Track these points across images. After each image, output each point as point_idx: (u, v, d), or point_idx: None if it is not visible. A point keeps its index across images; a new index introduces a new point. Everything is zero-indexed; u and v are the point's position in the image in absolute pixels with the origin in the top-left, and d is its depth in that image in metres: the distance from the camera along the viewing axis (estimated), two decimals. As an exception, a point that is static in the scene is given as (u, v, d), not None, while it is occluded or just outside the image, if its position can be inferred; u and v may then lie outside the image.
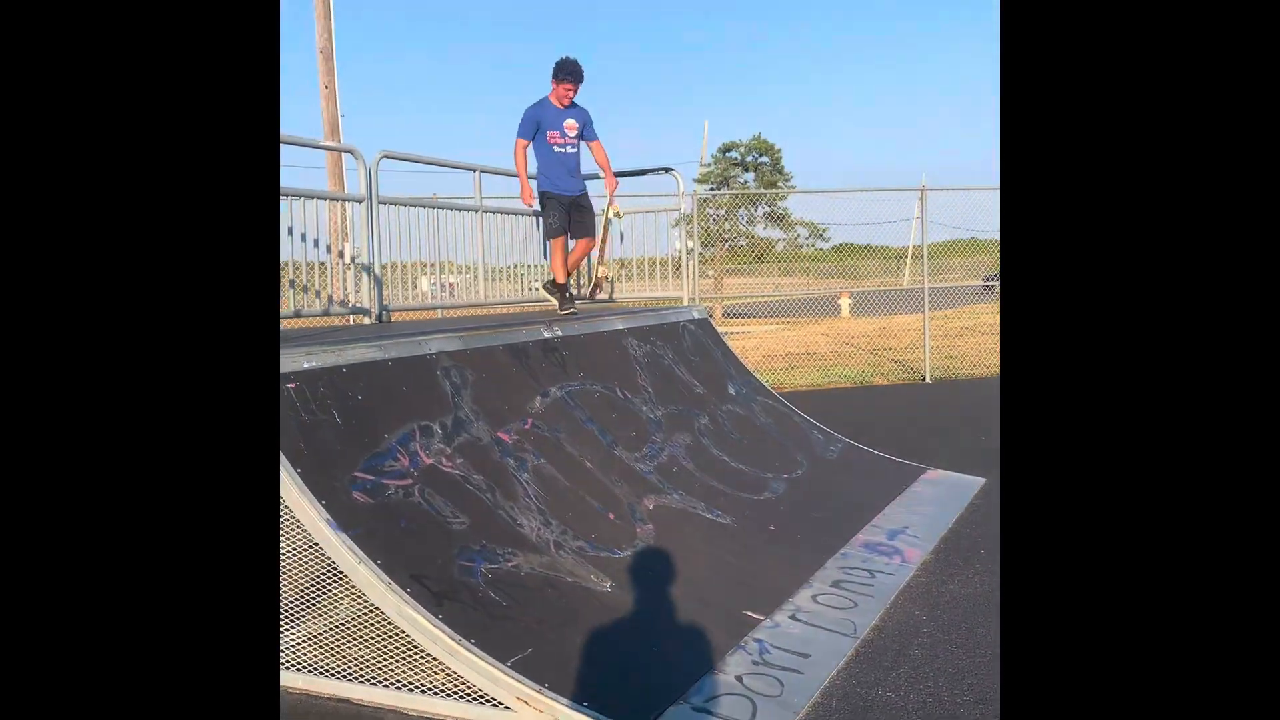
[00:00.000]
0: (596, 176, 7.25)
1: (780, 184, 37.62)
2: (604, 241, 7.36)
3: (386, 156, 6.74)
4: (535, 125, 6.64)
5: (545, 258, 8.17)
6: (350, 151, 6.79)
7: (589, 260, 7.76)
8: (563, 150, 6.72)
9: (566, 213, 6.82)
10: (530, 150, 6.73)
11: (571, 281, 7.20)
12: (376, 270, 6.53)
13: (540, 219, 7.26)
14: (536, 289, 8.97)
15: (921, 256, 12.80)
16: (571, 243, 6.99)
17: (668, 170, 8.90)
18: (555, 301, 6.80)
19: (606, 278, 7.05)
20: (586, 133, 6.80)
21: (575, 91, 6.57)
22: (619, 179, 7.10)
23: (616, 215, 7.30)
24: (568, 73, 6.47)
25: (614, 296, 7.73)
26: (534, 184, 6.82)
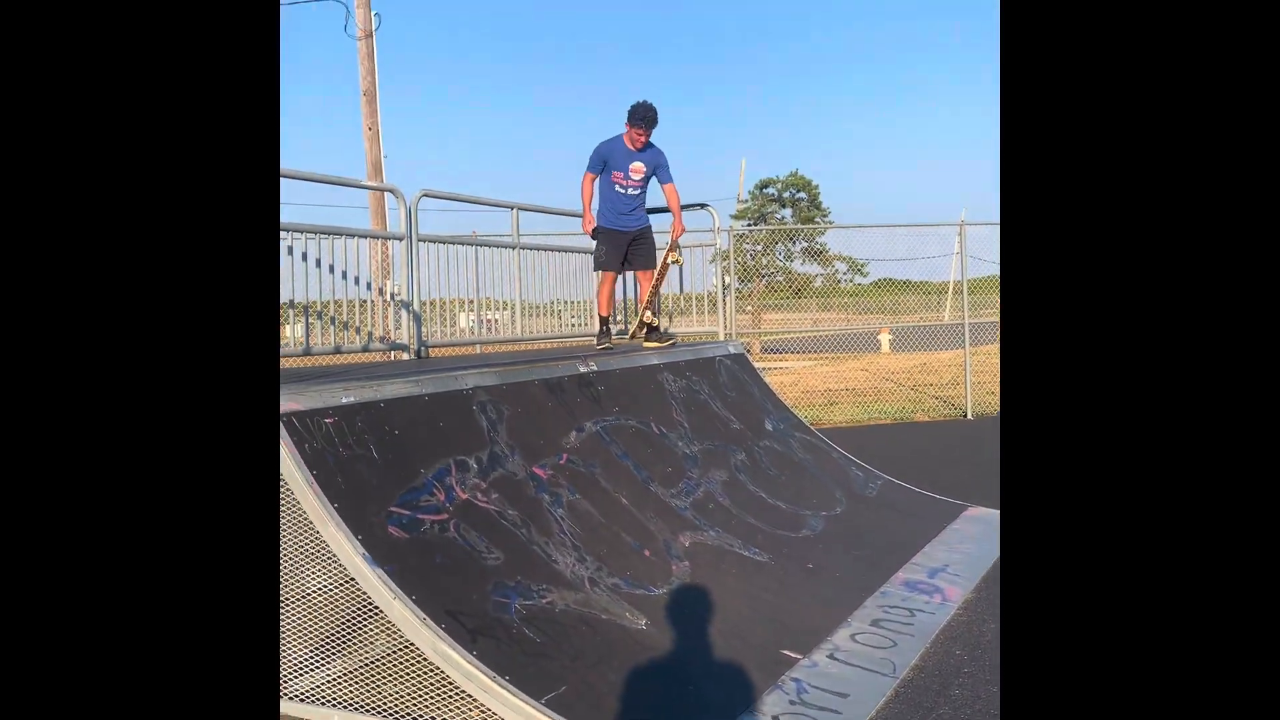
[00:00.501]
0: (664, 210, 7.30)
1: (818, 219, 37.60)
2: (657, 284, 7.37)
3: (426, 195, 6.85)
4: (603, 163, 6.78)
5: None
6: (391, 190, 6.92)
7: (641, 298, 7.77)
8: (624, 191, 6.84)
9: (622, 249, 6.94)
10: (597, 185, 6.88)
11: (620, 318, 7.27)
12: (416, 307, 6.60)
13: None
14: (573, 324, 9.03)
15: (962, 291, 12.69)
16: (632, 275, 7.11)
17: (703, 206, 8.95)
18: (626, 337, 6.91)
19: (652, 323, 7.00)
20: (660, 175, 6.90)
21: (647, 136, 6.67)
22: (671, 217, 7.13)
23: (676, 261, 7.33)
24: (639, 118, 6.59)
25: (665, 334, 7.59)
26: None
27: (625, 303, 9.09)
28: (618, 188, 6.82)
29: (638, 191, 6.89)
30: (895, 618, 4.37)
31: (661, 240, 7.27)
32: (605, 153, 6.74)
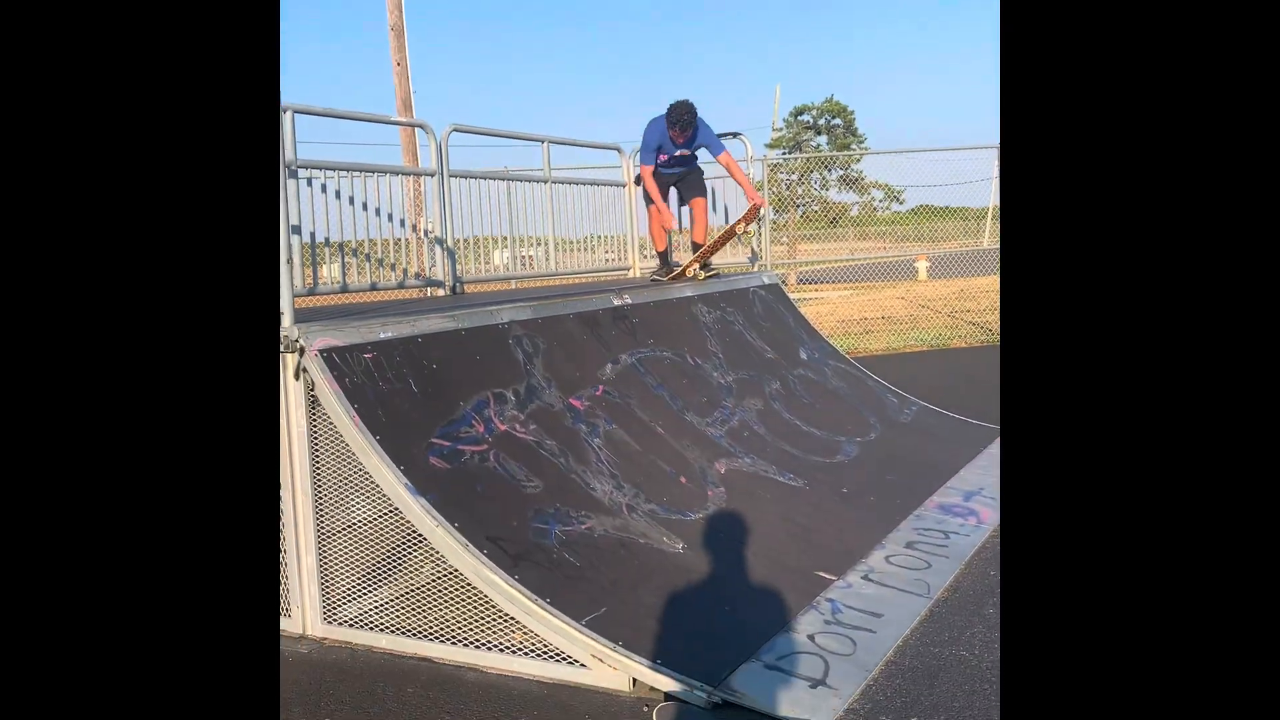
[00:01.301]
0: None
1: (854, 146, 36.97)
2: (719, 243, 7.42)
3: (457, 130, 6.83)
4: (656, 152, 6.87)
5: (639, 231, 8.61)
6: (422, 126, 6.91)
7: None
8: (672, 167, 7.05)
9: (668, 185, 7.09)
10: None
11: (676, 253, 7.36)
12: (449, 243, 6.64)
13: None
14: (609, 259, 9.03)
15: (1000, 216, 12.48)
16: (686, 209, 7.27)
17: (736, 135, 8.83)
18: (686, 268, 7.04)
19: (694, 274, 7.02)
20: (712, 150, 6.95)
21: (685, 134, 6.73)
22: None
23: (746, 233, 7.40)
24: (674, 122, 6.64)
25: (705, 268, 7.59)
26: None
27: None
28: (662, 168, 7.02)
29: (680, 158, 7.03)
30: (930, 540, 4.42)
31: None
32: (657, 141, 6.81)
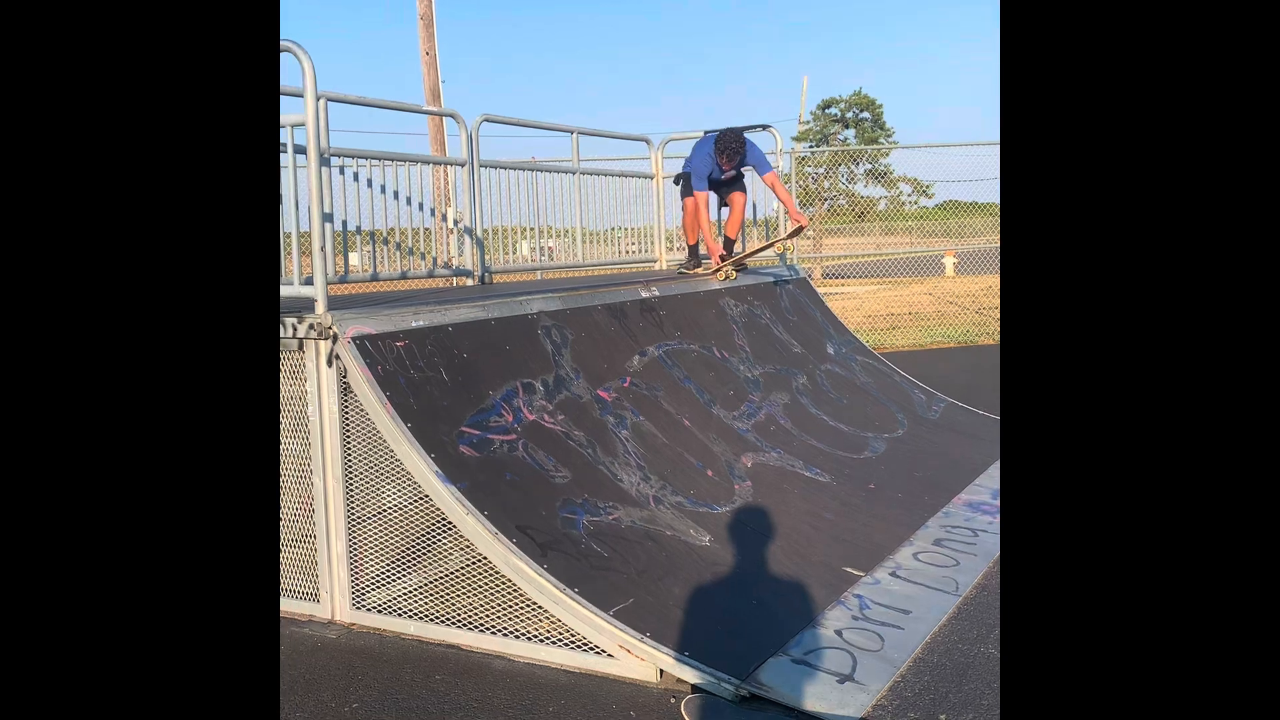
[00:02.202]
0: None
1: (882, 140, 36.72)
2: (753, 252, 7.47)
3: (487, 120, 6.84)
4: (706, 178, 6.86)
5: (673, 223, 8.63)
6: (452, 115, 6.91)
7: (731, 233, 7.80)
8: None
9: (705, 180, 7.02)
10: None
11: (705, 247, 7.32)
12: (478, 233, 6.66)
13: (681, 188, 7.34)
14: (632, 250, 9.02)
15: (1030, 212, 12.37)
16: (725, 212, 7.29)
17: (765, 127, 8.77)
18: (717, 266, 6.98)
19: (728, 275, 6.99)
20: (760, 169, 6.95)
21: (733, 164, 6.77)
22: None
23: (786, 249, 7.39)
24: (723, 149, 6.66)
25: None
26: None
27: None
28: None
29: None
30: (958, 537, 4.40)
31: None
32: (707, 167, 6.80)
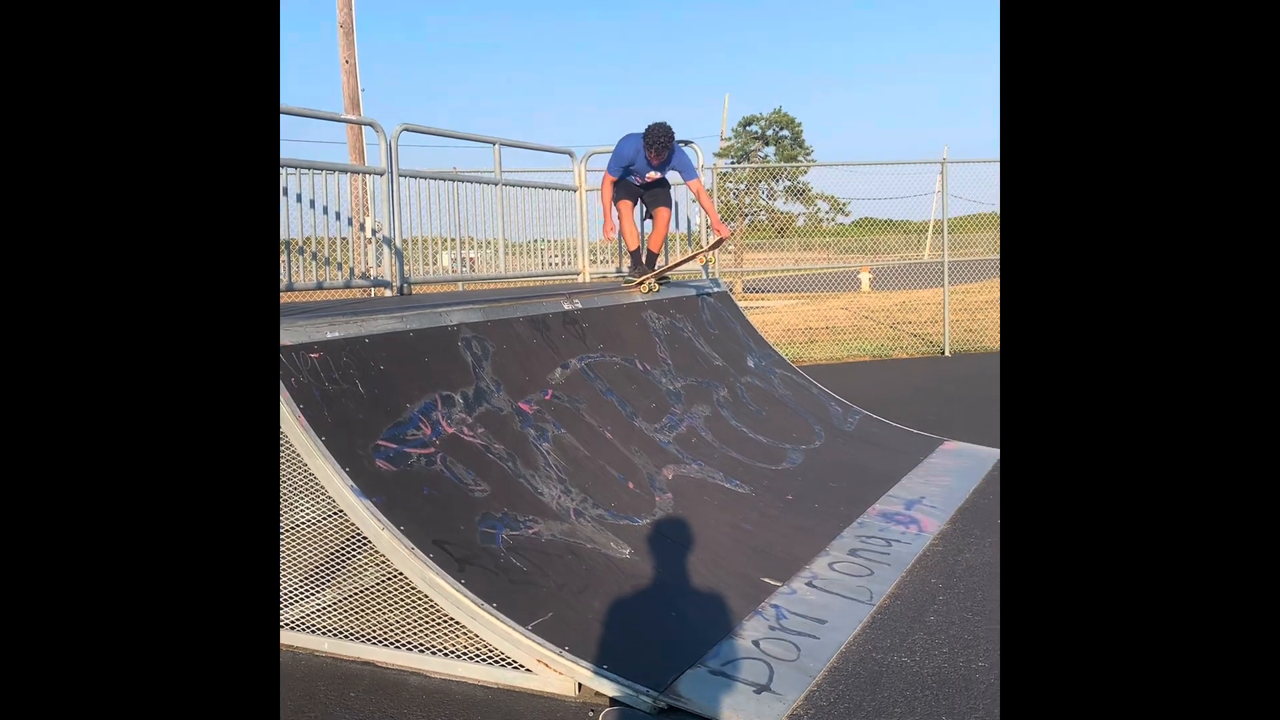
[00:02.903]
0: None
1: (800, 158, 37.38)
2: (674, 265, 7.46)
3: (407, 129, 6.77)
4: (624, 169, 6.83)
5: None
6: (371, 124, 6.83)
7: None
8: (641, 186, 7.02)
9: (635, 190, 7.05)
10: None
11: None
12: (398, 243, 6.58)
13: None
14: (555, 263, 9.01)
15: (943, 230, 12.73)
16: (649, 224, 7.26)
17: (687, 143, 8.87)
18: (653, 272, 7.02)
19: (650, 288, 6.98)
20: (685, 174, 6.93)
21: (661, 158, 6.70)
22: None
23: (707, 260, 7.51)
24: (651, 141, 6.59)
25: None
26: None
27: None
28: (633, 179, 6.97)
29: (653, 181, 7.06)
30: (873, 547, 4.48)
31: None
32: (629, 157, 6.77)
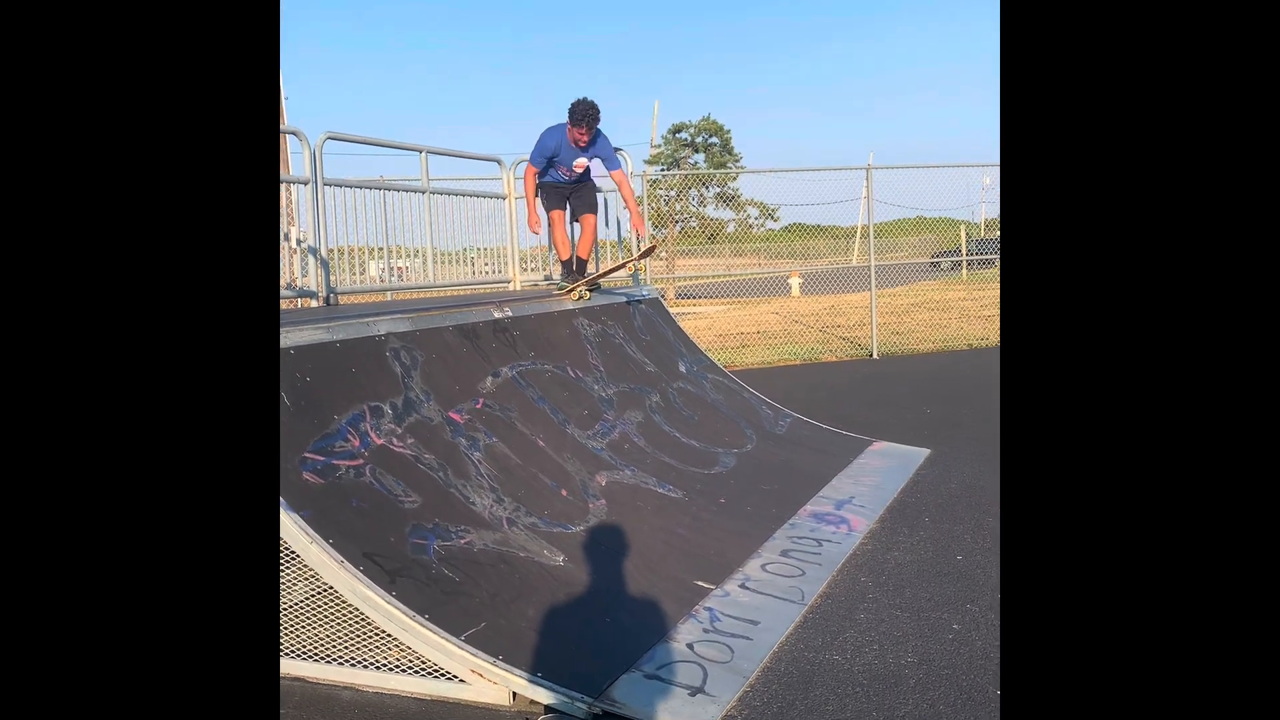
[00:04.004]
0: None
1: (730, 165, 37.76)
2: (605, 273, 7.41)
3: (331, 138, 6.67)
4: (546, 159, 6.70)
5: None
6: (294, 133, 6.71)
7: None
8: (567, 180, 6.90)
9: (563, 196, 6.98)
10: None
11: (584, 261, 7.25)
12: (323, 253, 6.48)
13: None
14: (486, 271, 8.96)
15: (869, 235, 12.97)
16: (577, 227, 7.15)
17: (617, 150, 8.91)
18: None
19: (581, 295, 6.93)
20: (608, 164, 6.83)
21: (590, 133, 6.52)
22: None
23: (638, 269, 7.45)
24: (579, 117, 6.41)
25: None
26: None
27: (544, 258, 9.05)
28: (561, 177, 6.87)
29: (578, 177, 6.94)
30: (804, 548, 4.55)
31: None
32: (551, 148, 6.63)
